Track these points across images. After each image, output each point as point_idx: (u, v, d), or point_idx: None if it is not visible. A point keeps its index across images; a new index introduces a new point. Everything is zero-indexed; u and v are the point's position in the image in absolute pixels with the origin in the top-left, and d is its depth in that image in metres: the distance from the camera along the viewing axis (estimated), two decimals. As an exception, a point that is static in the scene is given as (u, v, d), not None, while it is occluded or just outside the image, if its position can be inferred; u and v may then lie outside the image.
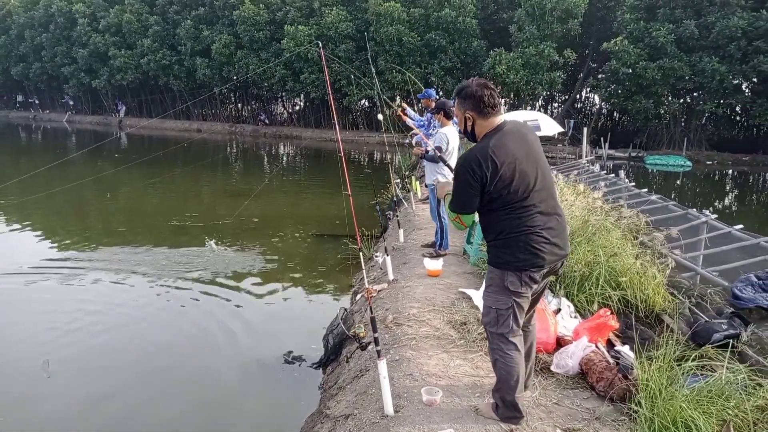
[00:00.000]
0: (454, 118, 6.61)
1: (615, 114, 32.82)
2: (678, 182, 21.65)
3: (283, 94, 36.58)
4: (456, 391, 3.31)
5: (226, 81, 35.43)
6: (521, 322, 2.86)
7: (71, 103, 46.94)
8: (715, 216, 6.74)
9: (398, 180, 11.45)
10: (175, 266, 7.72)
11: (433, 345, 3.97)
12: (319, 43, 5.06)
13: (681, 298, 4.67)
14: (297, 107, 40.49)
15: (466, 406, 3.14)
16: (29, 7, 43.30)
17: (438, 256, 6.18)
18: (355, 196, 4.06)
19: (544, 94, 30.81)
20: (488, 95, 2.74)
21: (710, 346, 3.69)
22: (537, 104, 31.71)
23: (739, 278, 4.69)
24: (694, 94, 27.26)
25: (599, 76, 29.40)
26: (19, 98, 52.44)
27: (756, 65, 22.98)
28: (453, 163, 5.97)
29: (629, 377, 3.27)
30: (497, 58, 26.92)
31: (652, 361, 3.18)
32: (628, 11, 25.98)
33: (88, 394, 4.56)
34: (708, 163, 26.10)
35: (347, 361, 4.37)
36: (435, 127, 6.23)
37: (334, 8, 30.83)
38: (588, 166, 14.32)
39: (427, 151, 6.22)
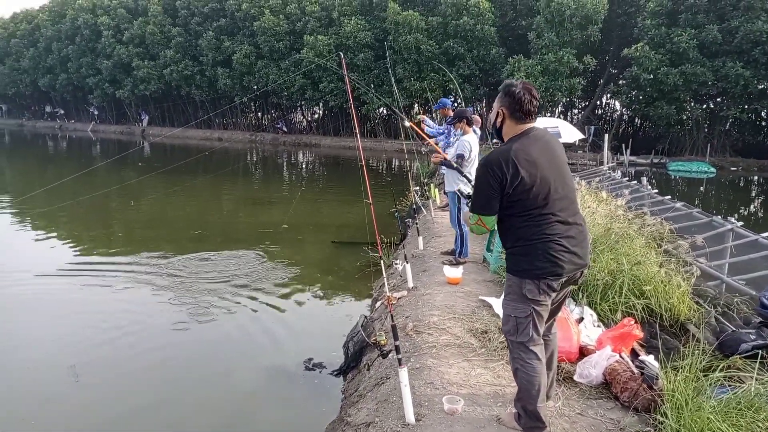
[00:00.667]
0: (474, 126, 6.61)
1: (636, 120, 32.46)
2: (702, 189, 21.27)
3: (303, 102, 36.95)
4: (477, 401, 3.29)
5: (246, 90, 35.96)
6: (541, 330, 2.83)
7: (96, 113, 48.03)
8: (741, 223, 6.61)
9: (417, 187, 11.46)
10: (196, 274, 7.81)
11: (454, 353, 3.95)
12: (341, 54, 5.09)
13: (707, 307, 4.58)
14: (316, 115, 40.85)
15: (488, 416, 3.12)
16: (56, 20, 44.62)
17: (458, 263, 6.15)
18: (374, 203, 4.06)
19: (564, 100, 30.60)
20: (528, 100, 2.72)
21: (738, 356, 3.62)
22: (557, 111, 31.50)
23: (767, 287, 4.58)
24: (718, 99, 26.84)
25: (620, 82, 29.12)
26: (48, 109, 53.83)
27: (781, 69, 22.57)
28: (473, 170, 5.98)
29: (654, 387, 3.21)
30: (516, 65, 26.85)
31: (677, 371, 3.12)
32: (649, 17, 25.72)
33: (113, 399, 4.63)
34: (732, 169, 25.62)
35: (368, 369, 4.37)
36: (455, 135, 6.23)
37: (353, 18, 31.11)
38: (609, 173, 14.17)
39: (445, 159, 6.22)
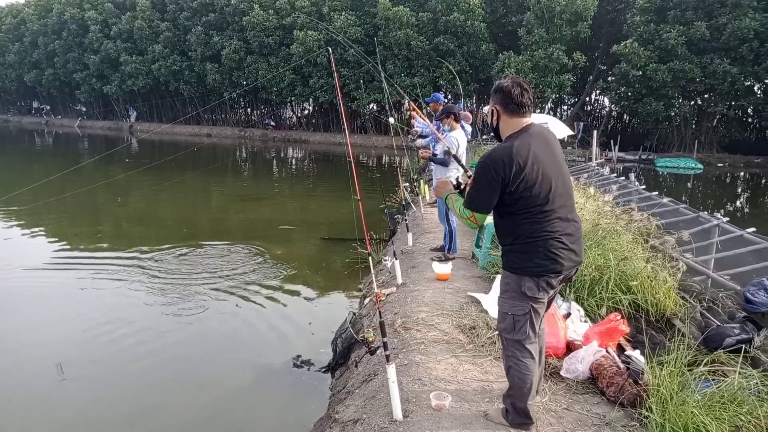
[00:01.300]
0: (462, 122, 6.61)
1: (625, 116, 32.62)
2: (689, 185, 21.46)
3: (292, 98, 36.76)
4: (465, 396, 3.30)
5: (235, 86, 35.70)
6: (537, 328, 2.83)
7: (83, 110, 47.49)
8: (727, 219, 6.67)
9: (407, 183, 11.45)
10: (183, 271, 7.76)
11: (442, 349, 3.96)
12: (329, 48, 5.07)
13: (692, 302, 4.62)
14: (306, 111, 40.67)
15: (476, 412, 3.13)
16: (43, 14, 43.97)
17: (447, 259, 6.16)
18: (363, 199, 4.05)
19: (554, 96, 30.68)
20: (518, 93, 2.69)
21: (722, 351, 3.65)
22: (546, 107, 31.57)
23: (751, 282, 4.63)
24: (705, 96, 27.04)
25: (609, 78, 29.26)
26: (35, 104, 53.11)
27: (768, 66, 22.78)
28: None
29: (640, 382, 3.24)
30: (506, 61, 26.87)
31: (663, 365, 3.14)
32: (638, 14, 25.85)
33: (99, 397, 4.60)
34: (719, 165, 25.86)
35: (356, 366, 4.37)
36: (444, 131, 6.23)
37: (343, 13, 30.97)
38: (598, 169, 14.24)
39: (435, 154, 6.22)
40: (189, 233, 10.29)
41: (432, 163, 6.42)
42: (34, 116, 51.51)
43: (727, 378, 3.14)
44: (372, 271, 4.01)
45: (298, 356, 5.11)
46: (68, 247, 9.24)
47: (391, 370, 3.06)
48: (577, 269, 2.87)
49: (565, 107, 34.95)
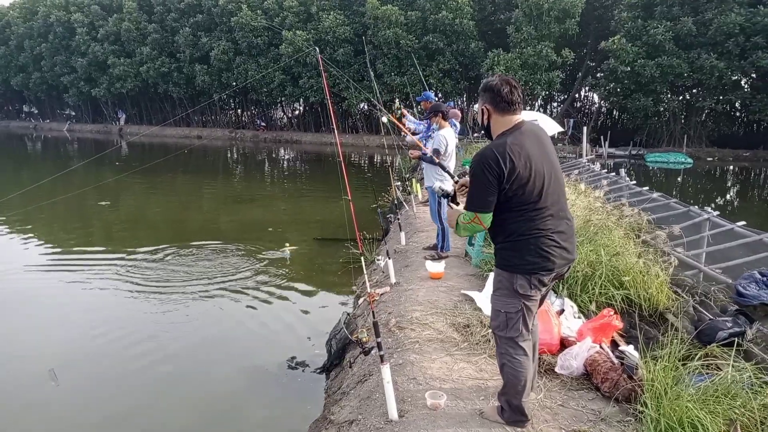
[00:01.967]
0: (451, 119, 6.61)
1: (614, 112, 32.84)
2: (679, 179, 21.61)
3: (283, 99, 36.68)
4: (460, 395, 3.29)
5: (225, 87, 35.57)
6: (530, 325, 2.82)
7: (72, 114, 47.12)
8: (717, 213, 6.71)
9: (399, 183, 11.44)
10: (176, 273, 7.71)
11: (437, 348, 3.96)
12: (317, 48, 5.05)
13: (685, 296, 4.64)
14: (297, 111, 40.58)
15: (471, 410, 3.12)
16: (28, 17, 43.54)
17: (440, 258, 6.16)
18: (355, 199, 4.04)
19: (543, 93, 30.82)
20: (507, 91, 2.67)
21: (715, 344, 3.67)
22: (536, 104, 31.72)
23: (742, 275, 4.66)
24: (693, 90, 27.27)
25: (598, 74, 29.44)
26: (25, 108, 52.63)
27: (754, 61, 23.00)
28: (452, 164, 5.97)
29: (634, 377, 3.25)
30: (495, 59, 26.97)
31: (657, 360, 3.15)
32: (625, 10, 26.04)
33: (93, 402, 4.56)
34: (709, 159, 26.07)
35: (350, 366, 4.36)
36: (433, 129, 6.22)
37: (332, 13, 30.92)
38: (588, 165, 14.31)
39: (424, 153, 6.21)
40: (181, 235, 10.23)
41: (423, 162, 6.41)
42: (23, 120, 51.06)
43: (720, 371, 3.15)
44: (365, 272, 4.00)
45: (293, 358, 5.09)
46: (59, 250, 9.15)
47: (386, 370, 3.04)
48: (569, 267, 2.87)
49: (555, 104, 35.13)
